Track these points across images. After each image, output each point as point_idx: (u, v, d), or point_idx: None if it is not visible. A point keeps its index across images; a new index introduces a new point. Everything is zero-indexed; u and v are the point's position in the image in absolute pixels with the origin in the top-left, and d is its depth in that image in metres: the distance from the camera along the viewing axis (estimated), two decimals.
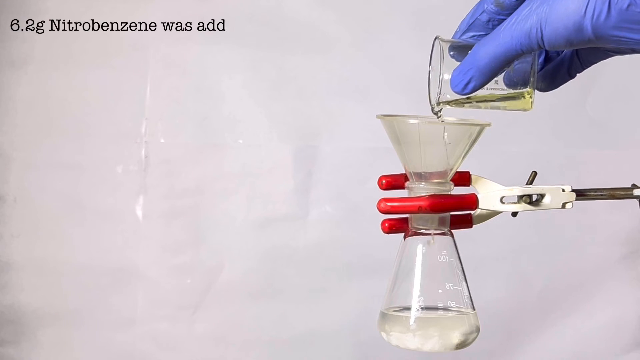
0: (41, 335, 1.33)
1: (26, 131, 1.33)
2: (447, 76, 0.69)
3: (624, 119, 1.38)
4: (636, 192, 0.79)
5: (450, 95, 0.70)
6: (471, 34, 0.69)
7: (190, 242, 1.34)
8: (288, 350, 1.35)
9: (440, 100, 0.70)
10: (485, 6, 0.67)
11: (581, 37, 0.60)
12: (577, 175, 1.35)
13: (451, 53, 0.69)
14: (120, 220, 1.33)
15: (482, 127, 0.74)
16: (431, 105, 0.71)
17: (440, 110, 0.72)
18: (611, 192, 0.80)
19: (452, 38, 0.70)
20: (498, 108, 0.72)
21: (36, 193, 1.32)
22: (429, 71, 0.70)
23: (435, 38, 0.70)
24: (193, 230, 1.34)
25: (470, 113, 0.84)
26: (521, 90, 0.71)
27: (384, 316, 0.78)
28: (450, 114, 0.77)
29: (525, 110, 0.73)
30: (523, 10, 0.61)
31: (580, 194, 0.78)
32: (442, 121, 0.73)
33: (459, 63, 0.67)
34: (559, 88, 1.34)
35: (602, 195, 0.79)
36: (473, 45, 0.66)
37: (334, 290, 1.35)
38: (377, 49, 1.34)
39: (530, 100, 0.72)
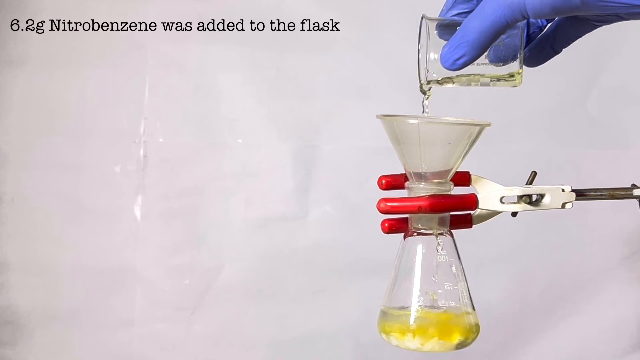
0: (39, 336, 1.33)
1: (24, 131, 1.32)
2: (434, 55, 0.69)
3: (624, 119, 1.38)
4: (636, 192, 0.79)
5: (438, 74, 0.70)
6: (456, 11, 0.70)
7: (189, 242, 1.34)
8: (288, 351, 1.35)
9: (428, 78, 0.71)
10: None
11: (567, 3, 0.59)
12: (577, 175, 1.34)
13: (437, 31, 0.69)
14: (119, 221, 1.33)
15: (482, 127, 0.74)
16: (420, 83, 0.71)
17: (429, 90, 0.72)
18: (611, 192, 0.80)
19: (439, 16, 0.71)
20: (488, 85, 0.72)
21: (34, 193, 1.32)
22: (418, 50, 0.70)
23: (422, 17, 0.70)
24: (192, 230, 1.34)
25: (469, 110, 0.84)
26: (511, 69, 0.70)
27: (383, 317, 0.78)
28: (450, 113, 0.77)
29: (514, 86, 0.73)
30: None
31: (580, 194, 0.78)
32: (428, 97, 0.72)
33: (446, 41, 0.67)
34: (559, 88, 1.35)
35: (602, 195, 0.79)
36: (459, 23, 0.67)
37: (333, 291, 1.35)
38: (377, 49, 1.34)
39: (520, 76, 0.71)
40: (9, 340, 1.33)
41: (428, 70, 0.70)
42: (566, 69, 1.35)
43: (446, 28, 0.69)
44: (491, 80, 0.71)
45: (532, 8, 0.60)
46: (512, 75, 0.71)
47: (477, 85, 0.71)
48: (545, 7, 0.60)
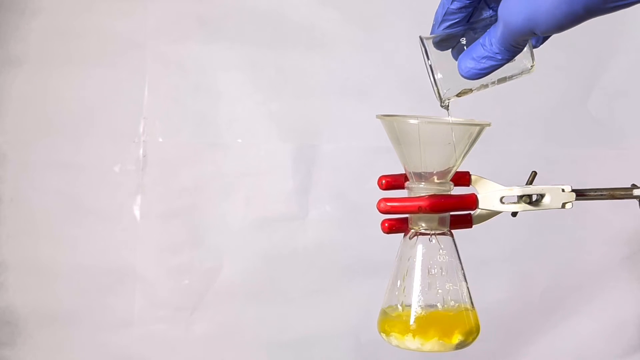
0: (37, 337, 1.33)
1: (23, 130, 1.32)
2: (443, 72, 0.69)
3: (624, 119, 1.38)
4: (636, 192, 0.79)
5: (454, 89, 0.70)
6: (448, 23, 0.70)
7: (188, 242, 1.34)
8: (287, 351, 1.34)
9: (446, 96, 0.71)
10: (444, 1, 0.69)
11: (572, 14, 0.60)
12: (577, 175, 1.34)
13: (437, 47, 0.70)
14: (118, 220, 1.32)
15: (482, 127, 0.74)
16: (440, 102, 0.72)
17: (448, 106, 0.72)
18: (611, 192, 0.80)
19: (431, 33, 0.71)
20: (505, 80, 0.72)
21: (33, 193, 1.32)
22: (428, 70, 0.70)
23: (420, 39, 0.71)
24: (191, 230, 1.34)
25: (469, 110, 0.84)
26: (523, 63, 0.71)
27: (384, 317, 0.78)
28: (450, 112, 0.77)
29: (530, 72, 0.73)
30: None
31: (580, 194, 0.78)
32: (450, 116, 0.73)
33: (448, 53, 0.68)
34: (559, 88, 1.34)
35: (602, 195, 0.79)
36: (458, 35, 0.68)
37: (333, 291, 1.35)
38: (377, 49, 1.34)
39: (534, 65, 0.72)
40: (7, 340, 1.33)
41: (442, 89, 0.70)
42: (566, 69, 1.35)
43: (446, 42, 0.70)
44: (508, 77, 0.71)
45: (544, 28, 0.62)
46: (524, 70, 0.71)
47: (495, 85, 0.72)
48: (554, 26, 0.62)
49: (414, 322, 0.75)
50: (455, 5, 0.70)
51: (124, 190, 1.32)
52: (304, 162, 1.34)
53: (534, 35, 0.63)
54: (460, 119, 0.76)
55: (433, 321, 0.75)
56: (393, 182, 0.80)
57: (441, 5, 0.71)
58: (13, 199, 1.32)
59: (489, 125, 0.74)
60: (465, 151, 0.75)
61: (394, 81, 1.34)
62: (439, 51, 0.70)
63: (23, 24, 1.31)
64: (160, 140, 1.33)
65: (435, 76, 0.70)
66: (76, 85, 1.32)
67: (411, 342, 0.75)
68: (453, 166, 0.76)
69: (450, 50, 0.71)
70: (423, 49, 0.71)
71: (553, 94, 1.36)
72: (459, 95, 0.72)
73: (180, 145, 1.33)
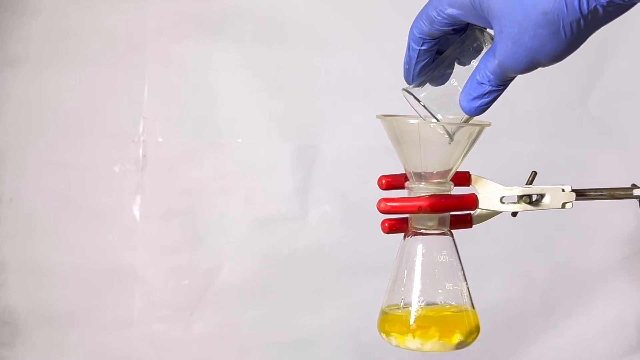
0: (36, 337, 1.32)
1: (22, 130, 1.32)
2: (440, 116, 0.71)
3: (624, 119, 1.37)
4: (636, 192, 0.79)
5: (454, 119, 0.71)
6: (421, 64, 0.73)
7: (188, 242, 1.33)
8: (287, 352, 1.34)
9: (453, 130, 0.72)
10: (413, 45, 0.72)
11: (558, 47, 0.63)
12: (577, 175, 1.34)
13: (424, 92, 0.72)
14: (118, 221, 1.32)
15: (482, 127, 0.74)
16: (450, 138, 0.73)
17: (454, 134, 0.73)
18: (611, 192, 0.79)
19: (412, 83, 0.73)
20: None
21: (32, 193, 1.32)
22: (428, 113, 0.72)
23: (405, 90, 0.72)
24: (191, 230, 1.33)
25: None
26: None
27: (383, 317, 0.78)
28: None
29: None
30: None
31: (580, 194, 0.78)
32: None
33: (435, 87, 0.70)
34: (559, 88, 1.34)
35: (602, 195, 0.79)
36: (439, 72, 0.70)
37: (333, 291, 1.35)
38: (378, 48, 1.34)
39: None
40: (7, 341, 1.32)
41: (451, 133, 0.72)
42: (567, 69, 1.34)
43: (432, 81, 0.71)
44: None
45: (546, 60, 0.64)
46: None
47: None
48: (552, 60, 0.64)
49: (414, 322, 0.75)
50: (426, 46, 0.71)
51: (124, 190, 1.32)
52: (304, 162, 1.34)
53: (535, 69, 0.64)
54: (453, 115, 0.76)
55: (433, 321, 0.75)
56: (393, 182, 0.80)
57: (407, 56, 0.74)
58: (12, 199, 1.32)
59: (489, 125, 0.74)
60: (465, 151, 0.75)
61: (394, 81, 1.33)
62: (428, 94, 0.72)
63: (23, 24, 1.31)
64: (160, 140, 1.33)
65: (437, 117, 0.71)
66: (76, 85, 1.32)
67: (411, 342, 0.75)
68: (453, 166, 0.76)
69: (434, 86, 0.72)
70: (413, 99, 0.72)
71: (553, 94, 1.36)
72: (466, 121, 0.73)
73: (180, 145, 1.33)
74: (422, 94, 0.72)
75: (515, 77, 0.67)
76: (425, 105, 0.71)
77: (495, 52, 0.65)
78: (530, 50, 0.63)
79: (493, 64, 0.66)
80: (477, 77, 0.67)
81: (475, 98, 0.68)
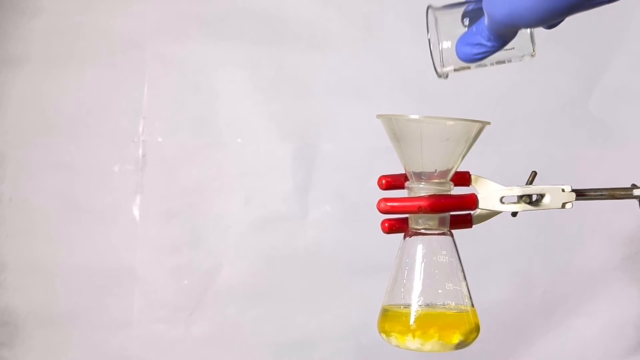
0: (36, 337, 1.32)
1: (22, 130, 1.32)
2: (446, 44, 0.69)
3: (624, 119, 1.37)
4: (636, 192, 0.79)
5: (453, 63, 0.70)
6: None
7: (187, 242, 1.33)
8: (287, 352, 1.34)
9: (444, 69, 0.71)
10: None
11: (554, 14, 0.60)
12: (577, 175, 1.34)
13: (448, 17, 0.70)
14: (117, 221, 1.32)
15: (482, 125, 0.74)
16: (437, 73, 0.71)
17: (447, 76, 0.72)
18: (611, 192, 0.80)
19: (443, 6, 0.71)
20: (503, 62, 0.72)
21: (32, 193, 1.32)
22: (428, 40, 0.70)
23: (428, 7, 0.71)
24: (191, 230, 1.33)
25: (470, 109, 0.83)
26: (523, 49, 0.70)
27: (384, 317, 0.78)
28: (451, 112, 0.76)
29: (532, 57, 0.72)
30: None
31: (580, 194, 0.78)
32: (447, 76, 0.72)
33: (457, 28, 0.68)
34: (559, 87, 1.34)
35: (602, 195, 0.79)
36: (466, 3, 0.68)
37: (333, 291, 1.34)
38: (377, 48, 1.34)
39: (535, 50, 0.71)
40: (6, 341, 1.32)
41: (443, 64, 0.70)
42: (567, 68, 1.35)
43: (457, 12, 0.70)
44: (507, 61, 0.71)
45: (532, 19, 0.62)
46: (524, 54, 0.71)
47: (493, 65, 0.71)
48: (535, 22, 0.61)
49: (414, 322, 0.75)
50: None
51: (124, 190, 1.32)
52: (304, 162, 1.34)
53: (518, 28, 0.63)
54: (460, 118, 0.75)
55: (433, 321, 0.75)
56: (393, 182, 0.80)
57: None
58: (12, 199, 1.32)
59: (488, 123, 0.74)
60: (465, 150, 0.75)
61: (394, 81, 1.34)
62: (447, 22, 0.70)
63: (23, 24, 1.31)
64: (160, 140, 1.33)
65: (442, 46, 0.70)
66: (76, 85, 1.32)
67: (411, 342, 0.75)
68: (453, 166, 0.76)
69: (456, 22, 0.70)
70: (431, 19, 0.70)
71: (553, 94, 1.36)
72: (456, 70, 0.71)
73: (179, 145, 1.33)
74: (438, 17, 0.70)
75: (506, 35, 0.65)
76: (439, 25, 0.70)
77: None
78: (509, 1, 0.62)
79: (484, 17, 0.65)
80: (474, 26, 0.67)
81: (467, 44, 0.67)
